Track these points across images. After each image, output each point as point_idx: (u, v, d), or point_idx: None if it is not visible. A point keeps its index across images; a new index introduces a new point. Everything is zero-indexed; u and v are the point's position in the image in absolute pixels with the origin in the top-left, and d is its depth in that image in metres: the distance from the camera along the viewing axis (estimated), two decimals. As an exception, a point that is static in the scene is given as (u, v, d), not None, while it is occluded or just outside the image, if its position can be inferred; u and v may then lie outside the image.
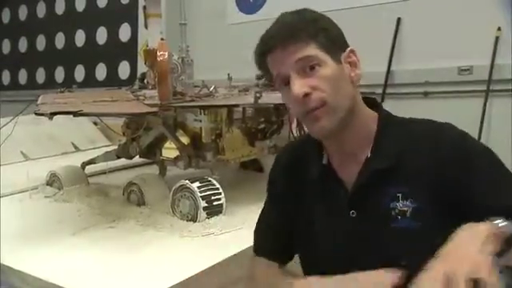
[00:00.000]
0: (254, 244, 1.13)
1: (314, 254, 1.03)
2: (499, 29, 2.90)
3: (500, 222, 0.79)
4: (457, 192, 0.89)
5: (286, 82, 0.93)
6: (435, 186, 0.90)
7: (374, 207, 0.93)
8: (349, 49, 0.96)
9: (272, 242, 1.10)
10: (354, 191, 0.96)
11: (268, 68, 0.96)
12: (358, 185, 0.95)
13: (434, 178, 0.90)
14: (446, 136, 0.93)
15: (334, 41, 0.94)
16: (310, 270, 1.03)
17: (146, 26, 2.64)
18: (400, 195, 0.91)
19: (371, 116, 0.99)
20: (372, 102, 1.02)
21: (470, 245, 0.74)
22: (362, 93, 1.00)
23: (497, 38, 2.91)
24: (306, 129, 1.00)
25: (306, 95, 0.90)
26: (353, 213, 0.96)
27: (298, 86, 0.90)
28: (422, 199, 0.91)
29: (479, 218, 0.84)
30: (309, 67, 0.91)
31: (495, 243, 0.75)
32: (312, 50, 0.91)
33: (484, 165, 0.91)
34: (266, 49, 0.94)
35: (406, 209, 0.91)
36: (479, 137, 2.89)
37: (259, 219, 1.15)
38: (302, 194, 1.05)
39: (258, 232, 1.14)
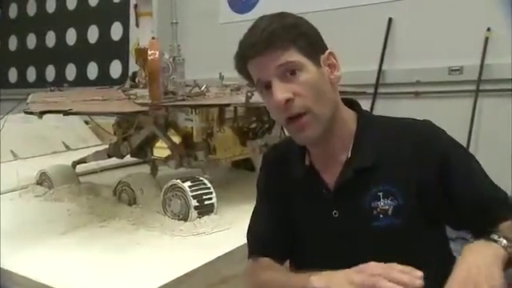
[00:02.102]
0: (250, 246, 1.10)
1: (300, 253, 1.04)
2: (489, 29, 2.93)
3: (502, 241, 0.81)
4: (437, 185, 0.91)
5: (268, 87, 0.93)
6: (416, 182, 0.92)
7: (356, 207, 0.94)
8: (328, 51, 0.96)
9: (269, 239, 1.06)
10: (336, 191, 0.97)
11: (249, 73, 0.96)
12: (339, 184, 0.96)
13: (415, 174, 0.92)
14: (424, 133, 0.96)
15: (314, 44, 0.94)
16: (297, 268, 1.03)
17: (137, 25, 2.63)
18: (381, 194, 0.92)
19: (351, 116, 1.00)
20: (350, 102, 1.02)
21: (482, 270, 0.76)
22: (350, 92, 1.01)
23: (486, 39, 2.93)
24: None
25: (288, 101, 0.90)
26: (335, 213, 0.96)
27: (280, 91, 0.90)
28: (402, 196, 0.92)
29: (460, 209, 0.90)
30: (289, 72, 0.91)
31: (501, 265, 0.78)
32: (292, 55, 0.91)
33: (461, 159, 0.95)
34: (245, 56, 0.94)
35: (387, 207, 0.92)
36: (469, 136, 2.91)
37: (252, 220, 1.12)
38: (287, 193, 1.05)
39: (251, 233, 1.11)
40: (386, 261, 0.81)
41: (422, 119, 1.00)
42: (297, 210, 1.03)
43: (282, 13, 0.97)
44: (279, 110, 0.92)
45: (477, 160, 0.98)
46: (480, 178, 0.94)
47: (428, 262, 0.82)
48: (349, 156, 0.96)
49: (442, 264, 0.85)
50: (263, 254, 1.04)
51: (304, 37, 0.93)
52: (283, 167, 1.06)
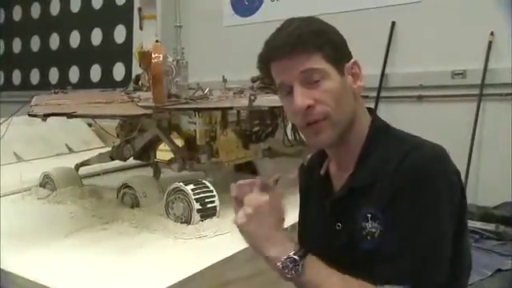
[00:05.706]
0: None
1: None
2: (492, 33, 2.93)
3: None
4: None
5: (289, 91, 0.93)
6: (390, 209, 0.88)
7: (352, 224, 0.92)
8: (352, 60, 0.96)
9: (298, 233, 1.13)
10: (332, 205, 0.97)
11: (271, 74, 0.96)
12: (335, 200, 0.96)
13: (389, 201, 0.87)
14: (410, 160, 0.87)
15: (339, 52, 0.94)
16: None
17: (141, 28, 2.64)
18: (370, 215, 0.89)
19: (366, 129, 0.98)
20: (368, 111, 1.01)
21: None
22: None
23: (490, 43, 2.93)
24: (301, 135, 1.01)
25: (309, 107, 0.90)
26: (339, 225, 0.96)
27: (301, 97, 0.90)
28: (384, 221, 0.88)
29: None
30: (313, 78, 0.91)
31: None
32: (317, 62, 0.90)
33: (417, 204, 0.86)
34: (270, 56, 0.94)
35: (374, 230, 0.89)
36: (472, 140, 2.90)
37: None
38: (307, 199, 1.09)
39: None
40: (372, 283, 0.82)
41: (427, 143, 0.92)
42: (310, 215, 1.06)
43: (310, 17, 0.97)
44: (299, 115, 0.92)
45: (444, 220, 0.86)
46: (416, 237, 0.84)
47: None
48: (351, 172, 0.96)
49: None
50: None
51: (331, 44, 0.92)
52: (307, 174, 1.10)
